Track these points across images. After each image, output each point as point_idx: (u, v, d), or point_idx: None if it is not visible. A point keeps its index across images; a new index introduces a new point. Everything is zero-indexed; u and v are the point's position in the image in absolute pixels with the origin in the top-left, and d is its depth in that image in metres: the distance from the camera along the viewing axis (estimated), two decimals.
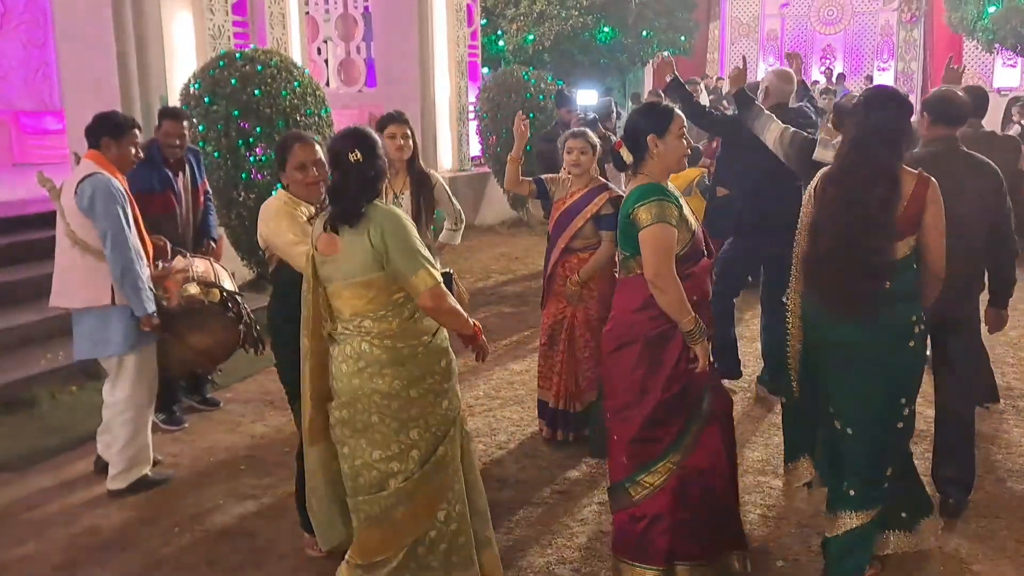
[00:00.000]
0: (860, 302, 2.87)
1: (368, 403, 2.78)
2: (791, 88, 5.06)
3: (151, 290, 3.84)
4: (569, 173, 4.34)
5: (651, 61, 17.38)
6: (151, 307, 3.80)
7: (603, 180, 4.41)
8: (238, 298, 4.09)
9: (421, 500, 2.83)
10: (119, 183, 3.83)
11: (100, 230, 3.74)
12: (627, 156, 3.02)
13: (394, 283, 2.73)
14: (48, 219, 3.94)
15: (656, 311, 2.93)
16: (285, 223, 3.16)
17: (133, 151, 3.95)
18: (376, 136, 2.83)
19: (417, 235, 2.79)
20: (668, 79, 5.00)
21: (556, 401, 4.42)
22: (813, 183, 3.10)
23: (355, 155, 2.70)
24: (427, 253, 2.76)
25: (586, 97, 7.86)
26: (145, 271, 3.88)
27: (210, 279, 4.02)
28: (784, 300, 3.26)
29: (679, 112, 3.04)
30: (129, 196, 3.93)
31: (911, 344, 2.93)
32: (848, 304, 2.90)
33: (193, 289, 3.92)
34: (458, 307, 2.83)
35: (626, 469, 3.05)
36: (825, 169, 3.09)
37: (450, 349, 2.91)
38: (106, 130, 3.88)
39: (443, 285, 2.75)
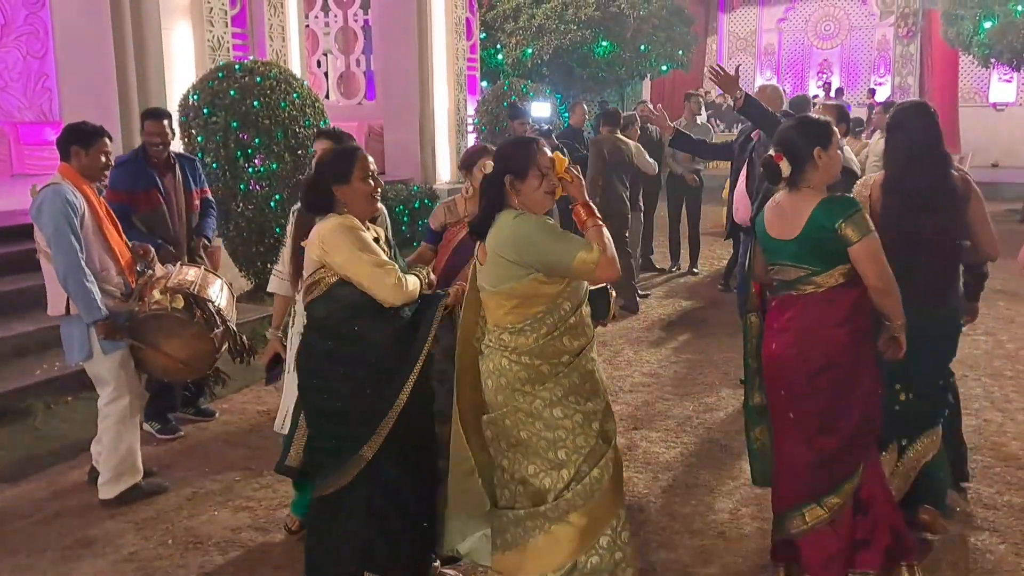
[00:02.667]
0: (934, 292, 3.26)
1: (515, 420, 2.71)
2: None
3: (97, 297, 3.76)
4: (465, 192, 3.85)
5: (649, 75, 17.48)
6: (96, 315, 3.76)
7: None
8: (209, 304, 3.99)
9: (577, 521, 2.70)
10: (79, 193, 3.84)
11: (44, 238, 3.78)
12: (786, 169, 2.99)
13: (534, 296, 2.65)
14: None
15: (855, 326, 2.95)
16: (357, 245, 2.81)
17: (103, 159, 3.97)
18: (499, 149, 2.82)
19: (551, 225, 2.69)
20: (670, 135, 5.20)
21: None
22: (860, 191, 3.42)
23: (486, 166, 2.71)
24: (569, 238, 2.66)
25: (540, 110, 7.91)
26: (115, 279, 3.92)
27: (185, 286, 3.97)
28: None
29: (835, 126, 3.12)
30: (100, 204, 3.95)
31: (961, 320, 3.53)
32: (926, 295, 3.20)
33: (158, 295, 3.89)
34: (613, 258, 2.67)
35: (808, 494, 3.03)
36: (876, 178, 3.40)
37: (597, 371, 2.80)
38: (75, 139, 3.91)
39: (604, 254, 2.62)
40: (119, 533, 3.73)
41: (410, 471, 2.94)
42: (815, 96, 18.18)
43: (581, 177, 2.82)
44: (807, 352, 2.96)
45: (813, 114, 3.52)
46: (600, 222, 2.73)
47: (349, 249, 2.80)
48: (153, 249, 4.25)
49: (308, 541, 3.07)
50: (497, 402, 2.74)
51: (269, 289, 3.68)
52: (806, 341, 2.97)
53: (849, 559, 3.03)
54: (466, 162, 3.85)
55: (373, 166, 2.97)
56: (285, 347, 3.61)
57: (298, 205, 3.34)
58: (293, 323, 3.56)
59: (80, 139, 3.91)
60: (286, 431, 3.44)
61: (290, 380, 3.41)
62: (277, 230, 7.03)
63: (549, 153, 2.74)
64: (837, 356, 2.95)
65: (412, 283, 2.88)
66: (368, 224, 2.97)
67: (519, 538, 2.76)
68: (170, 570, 3.44)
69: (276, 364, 3.66)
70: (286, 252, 3.56)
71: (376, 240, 2.91)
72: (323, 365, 2.90)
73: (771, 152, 3.01)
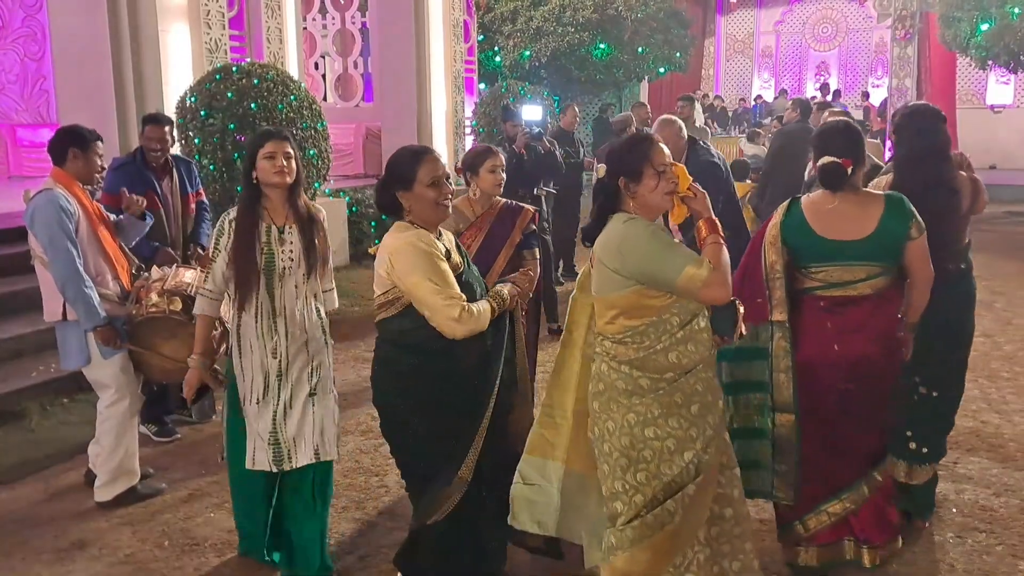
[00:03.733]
0: (943, 281, 3.23)
1: (603, 429, 2.62)
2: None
3: (95, 303, 3.76)
4: (480, 192, 3.81)
5: (646, 77, 17.50)
6: (96, 320, 3.76)
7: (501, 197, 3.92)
8: None
9: (637, 556, 2.56)
10: (72, 197, 3.83)
11: (41, 244, 3.78)
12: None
13: (637, 308, 2.53)
14: None
15: (899, 322, 3.14)
16: (425, 269, 2.64)
17: (98, 162, 3.98)
18: (612, 151, 2.72)
19: (663, 234, 2.55)
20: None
21: None
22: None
23: (599, 171, 2.65)
24: (680, 250, 2.50)
25: (531, 113, 7.92)
26: (111, 283, 3.91)
27: (182, 288, 3.96)
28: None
29: None
30: (93, 208, 3.95)
31: (974, 312, 3.59)
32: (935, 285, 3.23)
33: (155, 298, 3.89)
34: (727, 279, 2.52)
35: (858, 475, 3.18)
36: (886, 180, 3.47)
37: (709, 394, 2.61)
38: (72, 142, 3.91)
39: (716, 272, 2.45)
40: (115, 535, 3.72)
41: (489, 485, 2.85)
42: (812, 98, 18.21)
43: (705, 192, 2.65)
44: (891, 348, 3.11)
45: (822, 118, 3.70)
46: (721, 240, 2.56)
47: (415, 273, 2.62)
48: (147, 215, 4.26)
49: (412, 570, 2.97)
50: (592, 408, 2.65)
51: (195, 311, 3.25)
52: (884, 338, 3.09)
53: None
54: (471, 164, 3.81)
55: (443, 169, 2.75)
56: (216, 376, 3.32)
57: (233, 215, 3.15)
58: (241, 350, 3.17)
59: (78, 141, 3.91)
60: (267, 466, 3.16)
61: (252, 411, 3.17)
62: None
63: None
64: (896, 346, 3.15)
65: (479, 315, 2.67)
66: (441, 231, 2.82)
67: (604, 553, 2.68)
68: (166, 572, 3.43)
69: (202, 395, 3.36)
70: (218, 268, 3.13)
71: (448, 254, 2.73)
72: (409, 384, 2.73)
73: (833, 159, 3.01)
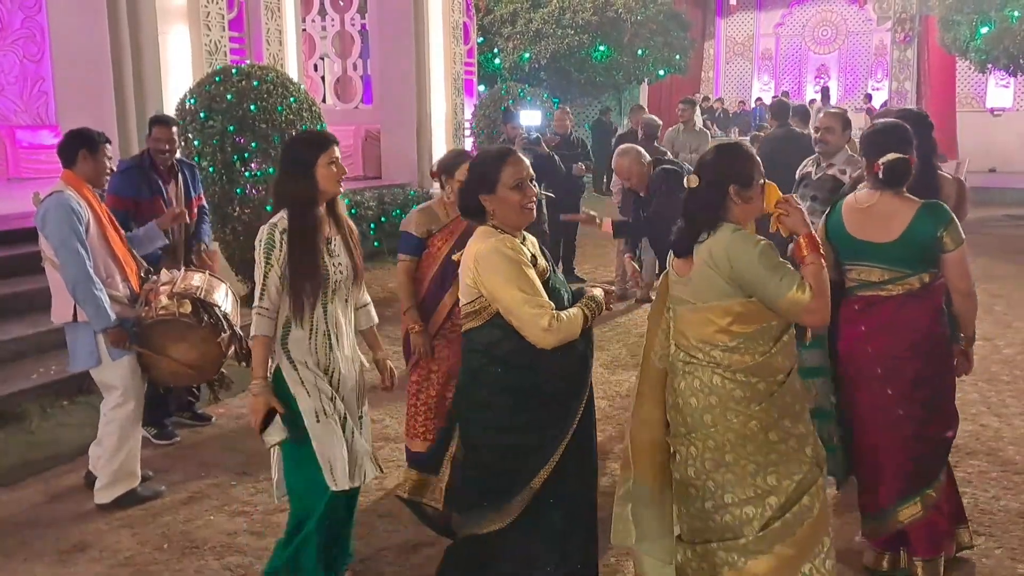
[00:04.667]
0: None
1: (722, 441, 2.55)
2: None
3: (106, 304, 3.76)
4: (447, 198, 3.76)
5: (646, 79, 17.52)
6: (106, 322, 3.76)
7: None
8: (216, 310, 4.01)
9: (782, 552, 2.54)
10: (82, 200, 3.84)
11: (52, 246, 3.78)
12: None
13: (751, 314, 2.51)
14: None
15: (943, 318, 3.13)
16: (513, 277, 2.54)
17: (107, 164, 4.00)
18: (717, 159, 2.62)
19: (773, 250, 2.48)
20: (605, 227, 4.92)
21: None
22: None
23: (692, 180, 2.59)
24: (785, 269, 2.46)
25: (530, 118, 7.94)
26: (120, 285, 3.91)
27: (191, 291, 3.98)
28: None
29: None
30: (103, 211, 3.96)
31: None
32: None
33: (165, 300, 3.90)
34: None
35: (919, 484, 3.17)
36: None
37: (802, 389, 2.68)
38: (83, 143, 3.92)
39: (819, 299, 2.45)
40: (115, 537, 3.72)
41: (569, 500, 2.74)
42: (811, 101, 18.24)
43: (801, 207, 2.63)
44: (923, 350, 3.09)
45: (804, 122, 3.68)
46: (822, 260, 2.53)
47: (503, 280, 2.52)
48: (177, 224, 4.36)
49: None
50: (703, 422, 2.57)
51: (254, 332, 2.91)
52: (911, 336, 3.08)
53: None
54: (448, 166, 3.78)
55: (527, 171, 2.64)
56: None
57: (283, 226, 2.91)
58: (296, 367, 2.96)
59: (88, 143, 3.93)
60: (347, 483, 2.96)
61: (320, 429, 2.94)
62: None
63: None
64: (936, 348, 3.12)
65: (570, 322, 2.56)
66: (524, 235, 2.72)
67: (705, 572, 2.63)
68: (166, 574, 3.43)
69: (269, 421, 2.98)
70: (272, 284, 2.88)
71: (534, 260, 2.64)
72: (500, 396, 2.63)
73: (899, 155, 3.04)
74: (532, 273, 2.57)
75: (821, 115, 5.33)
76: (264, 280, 2.88)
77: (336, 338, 3.01)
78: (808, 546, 2.58)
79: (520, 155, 2.68)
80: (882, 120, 3.46)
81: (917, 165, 3.19)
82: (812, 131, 5.33)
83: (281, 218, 2.93)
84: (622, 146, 5.22)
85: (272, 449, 3.04)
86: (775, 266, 2.46)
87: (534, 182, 2.67)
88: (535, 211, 2.68)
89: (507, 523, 2.64)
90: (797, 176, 5.27)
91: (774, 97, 20.67)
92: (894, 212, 3.03)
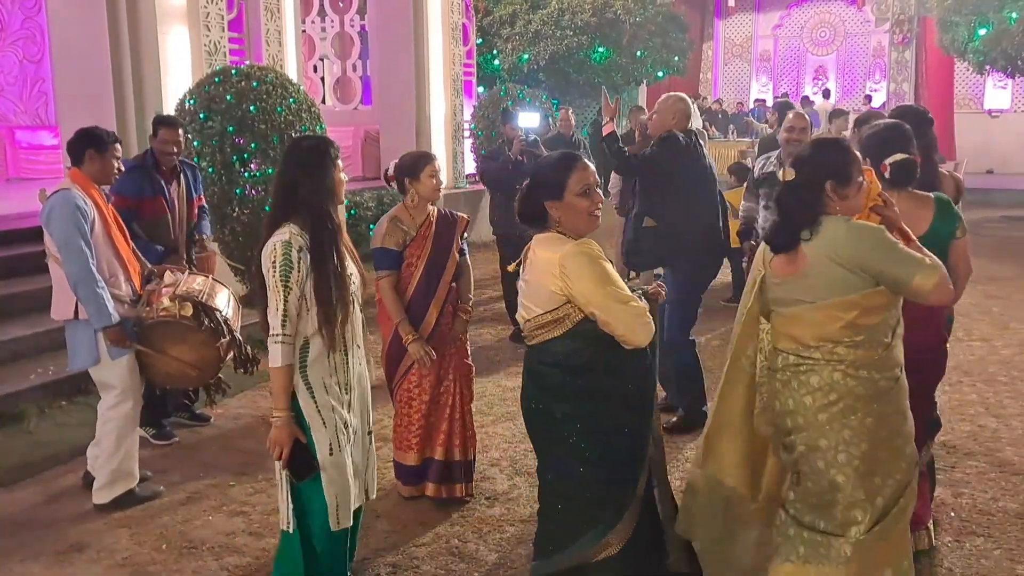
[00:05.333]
0: None
1: (836, 440, 2.51)
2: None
3: (107, 303, 3.76)
4: (419, 200, 3.80)
5: (645, 81, 17.52)
6: (107, 321, 3.76)
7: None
8: (217, 314, 4.02)
9: (873, 557, 2.53)
10: (88, 198, 3.84)
11: (56, 243, 3.78)
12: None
13: (876, 306, 2.48)
14: (40, 234, 3.96)
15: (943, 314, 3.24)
16: (604, 278, 2.51)
17: (115, 164, 4.00)
18: (814, 154, 2.58)
19: (891, 238, 2.48)
20: (606, 130, 4.82)
21: (447, 454, 3.94)
22: None
23: (788, 174, 2.56)
24: (907, 251, 2.46)
25: (528, 119, 7.89)
26: (123, 285, 3.92)
27: (194, 294, 3.99)
28: None
29: None
30: (108, 210, 3.96)
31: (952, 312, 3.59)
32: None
33: (167, 302, 3.91)
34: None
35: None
36: None
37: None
38: (91, 143, 3.92)
39: (942, 276, 2.42)
40: (113, 538, 3.72)
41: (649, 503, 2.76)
42: (805, 97, 18.27)
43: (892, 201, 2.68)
44: (943, 339, 3.26)
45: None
46: (922, 247, 2.56)
47: (598, 281, 2.49)
48: (160, 261, 4.32)
49: None
50: (816, 421, 2.52)
51: (279, 363, 2.72)
52: (938, 328, 3.23)
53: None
54: (411, 168, 3.75)
55: (593, 177, 2.59)
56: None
57: (300, 243, 2.71)
58: (314, 393, 2.83)
59: (96, 143, 3.93)
60: (350, 518, 2.94)
61: (337, 461, 2.87)
62: None
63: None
64: (934, 340, 3.23)
65: (649, 318, 2.56)
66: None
67: (803, 555, 2.58)
68: (164, 575, 3.43)
69: (303, 458, 2.83)
70: (292, 306, 2.71)
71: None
72: (583, 408, 2.58)
73: (906, 155, 3.07)
74: (616, 273, 2.57)
75: (791, 116, 5.38)
76: (284, 305, 2.68)
77: (352, 353, 2.93)
78: (898, 547, 2.57)
79: (586, 161, 2.64)
80: (882, 121, 3.46)
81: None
82: (783, 132, 5.32)
83: (292, 234, 2.71)
84: (669, 93, 5.09)
85: (284, 478, 2.89)
86: (899, 250, 2.45)
87: (599, 188, 2.64)
88: (598, 216, 2.61)
89: (624, 543, 2.59)
90: (757, 175, 5.29)
91: (776, 98, 20.72)
92: (915, 210, 3.06)
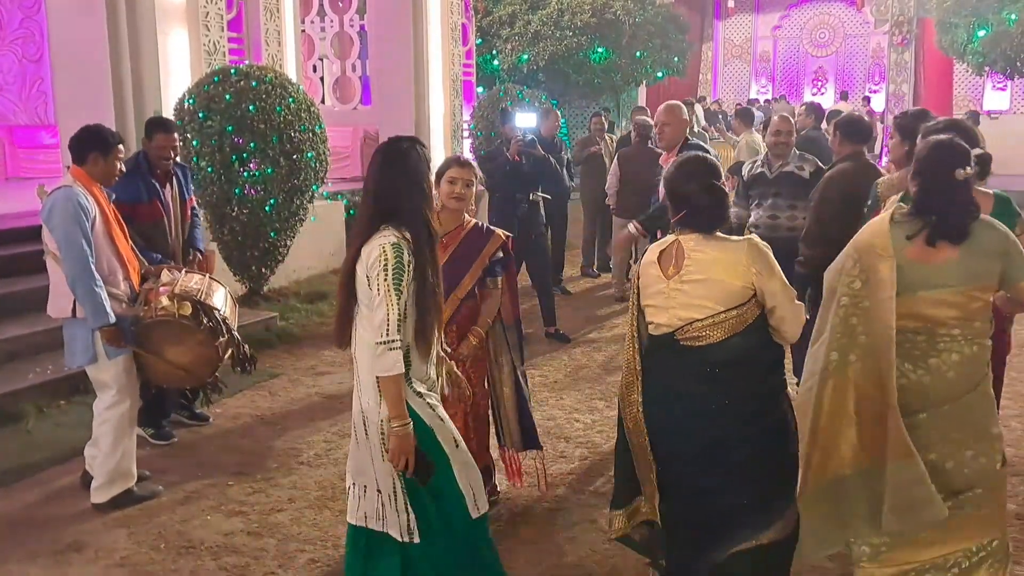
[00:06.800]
0: None
1: (971, 401, 2.70)
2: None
3: (104, 302, 3.75)
4: (444, 206, 3.53)
5: (644, 82, 17.51)
6: (104, 319, 3.75)
7: (474, 217, 3.72)
8: (216, 313, 4.02)
9: (991, 506, 2.74)
10: (90, 196, 3.83)
11: (55, 241, 3.77)
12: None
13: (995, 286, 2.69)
14: (38, 233, 3.95)
15: None
16: (779, 272, 2.73)
17: (119, 165, 3.99)
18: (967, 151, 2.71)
19: None
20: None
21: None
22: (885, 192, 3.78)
23: (963, 172, 2.65)
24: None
25: (525, 120, 7.87)
26: (122, 284, 3.92)
27: (192, 293, 3.98)
28: None
29: None
30: (110, 209, 3.96)
31: None
32: None
33: (165, 301, 3.90)
34: None
35: None
36: (898, 177, 3.70)
37: None
38: (95, 145, 3.91)
39: None
40: (111, 538, 3.71)
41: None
42: (810, 102, 18.24)
43: None
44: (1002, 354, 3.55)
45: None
46: None
47: (780, 279, 2.65)
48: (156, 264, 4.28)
49: None
50: (952, 393, 2.68)
51: (394, 370, 2.58)
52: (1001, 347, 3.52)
53: None
54: (438, 172, 3.55)
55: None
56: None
57: (408, 247, 2.60)
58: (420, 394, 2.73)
59: (101, 145, 3.91)
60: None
61: (461, 456, 2.80)
62: (272, 234, 7.02)
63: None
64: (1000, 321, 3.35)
65: None
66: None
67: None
68: (162, 575, 3.43)
69: (423, 465, 2.68)
70: (401, 312, 2.59)
71: None
72: (770, 404, 2.74)
73: (983, 149, 3.14)
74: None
75: (776, 119, 5.63)
76: (397, 310, 2.56)
77: (437, 363, 2.84)
78: (1004, 500, 2.83)
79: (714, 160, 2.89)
80: (942, 119, 3.62)
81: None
82: (770, 136, 5.63)
83: (399, 237, 2.61)
84: (670, 102, 5.31)
85: (398, 489, 2.72)
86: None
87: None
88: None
89: (793, 527, 2.71)
90: (745, 177, 5.53)
91: (775, 100, 20.73)
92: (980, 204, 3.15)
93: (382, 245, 2.58)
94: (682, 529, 2.86)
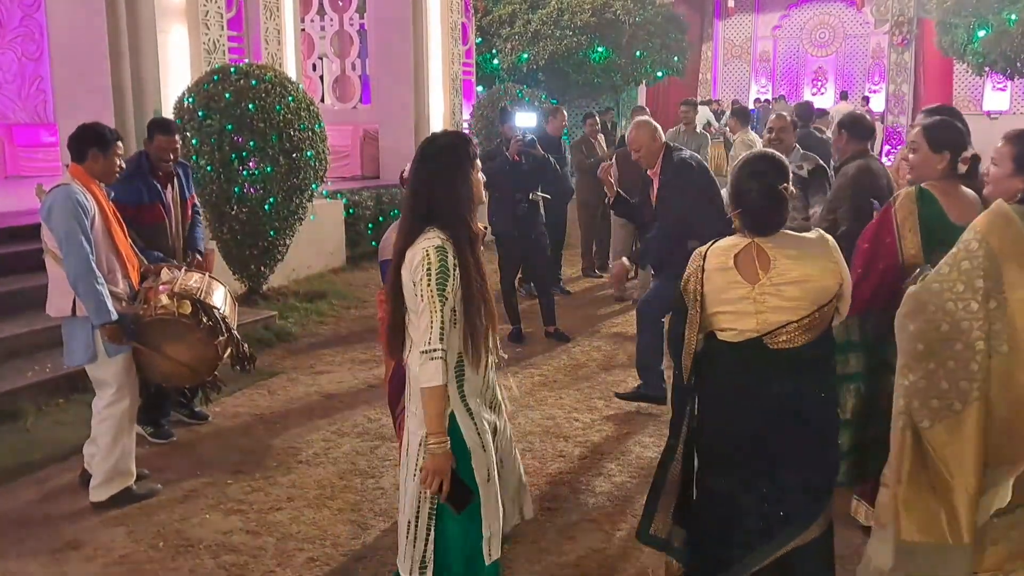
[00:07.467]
0: None
1: None
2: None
3: (107, 300, 3.75)
4: None
5: (644, 81, 17.52)
6: (106, 317, 3.75)
7: None
8: (215, 312, 4.02)
9: None
10: (89, 194, 3.83)
11: (56, 239, 3.77)
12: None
13: None
14: (37, 231, 3.95)
15: None
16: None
17: (118, 162, 3.99)
18: None
19: None
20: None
21: None
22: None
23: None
24: None
25: (525, 120, 7.85)
26: (121, 282, 3.91)
27: (192, 292, 3.98)
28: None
29: None
30: (108, 207, 3.95)
31: None
32: None
33: (165, 300, 3.90)
34: None
35: None
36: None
37: None
38: (94, 142, 3.90)
39: None
40: (110, 536, 3.71)
41: None
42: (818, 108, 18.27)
43: None
44: None
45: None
46: None
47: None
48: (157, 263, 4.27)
49: None
50: None
51: (437, 381, 2.42)
52: None
53: None
54: None
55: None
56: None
57: (451, 249, 2.47)
58: (472, 413, 2.59)
59: (99, 142, 3.90)
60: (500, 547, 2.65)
61: (492, 490, 2.63)
62: (271, 233, 7.02)
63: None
64: None
65: None
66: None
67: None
68: (161, 573, 3.42)
69: (461, 487, 2.50)
70: (447, 318, 2.45)
71: None
72: (834, 395, 2.75)
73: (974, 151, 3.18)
74: None
75: (772, 118, 5.63)
76: (441, 317, 2.42)
77: (491, 369, 2.67)
78: None
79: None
80: (940, 117, 3.47)
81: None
82: (766, 133, 5.69)
83: (443, 239, 2.48)
84: (639, 118, 5.19)
85: (423, 516, 2.58)
86: None
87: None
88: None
89: (828, 524, 2.66)
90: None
91: (774, 99, 20.71)
92: (969, 204, 3.09)
93: (425, 248, 2.45)
94: (736, 531, 2.69)
